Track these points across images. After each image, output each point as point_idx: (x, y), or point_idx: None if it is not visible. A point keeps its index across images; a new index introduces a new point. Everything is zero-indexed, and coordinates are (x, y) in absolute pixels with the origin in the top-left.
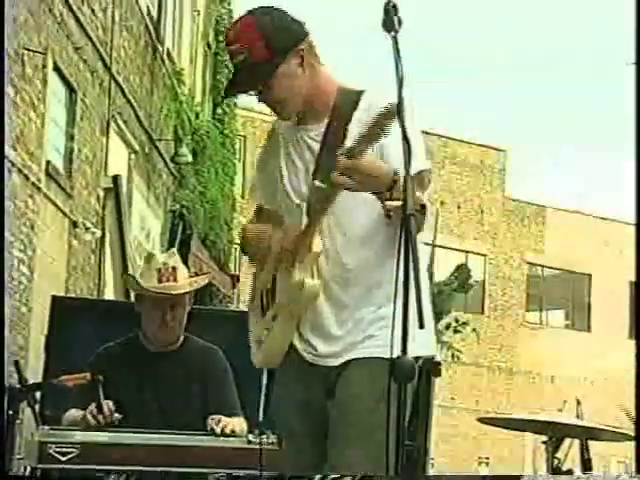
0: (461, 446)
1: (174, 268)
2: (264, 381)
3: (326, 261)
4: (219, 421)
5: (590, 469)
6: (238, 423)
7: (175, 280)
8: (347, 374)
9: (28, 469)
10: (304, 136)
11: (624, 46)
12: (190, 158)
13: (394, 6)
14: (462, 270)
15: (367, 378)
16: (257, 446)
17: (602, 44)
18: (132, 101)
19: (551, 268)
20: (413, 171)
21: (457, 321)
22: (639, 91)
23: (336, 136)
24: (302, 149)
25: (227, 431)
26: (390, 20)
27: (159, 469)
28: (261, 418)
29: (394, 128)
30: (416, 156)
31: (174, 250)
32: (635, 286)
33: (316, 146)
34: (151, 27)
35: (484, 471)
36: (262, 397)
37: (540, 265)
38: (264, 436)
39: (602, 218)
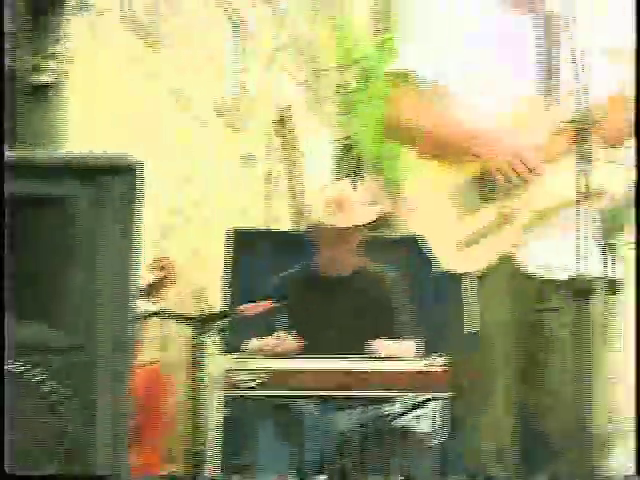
0: None
1: (343, 200)
2: None
3: None
4: (380, 345)
5: None
6: (406, 347)
7: (345, 212)
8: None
9: (215, 396)
10: None
11: None
12: (355, 85)
13: None
14: None
15: None
16: (434, 369)
17: None
18: (296, 31)
19: None
20: None
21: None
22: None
23: None
24: None
25: (385, 355)
26: None
27: (345, 393)
28: None
29: None
30: None
31: (345, 181)
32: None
33: None
34: None
35: None
36: None
37: None
38: (440, 358)
39: None
